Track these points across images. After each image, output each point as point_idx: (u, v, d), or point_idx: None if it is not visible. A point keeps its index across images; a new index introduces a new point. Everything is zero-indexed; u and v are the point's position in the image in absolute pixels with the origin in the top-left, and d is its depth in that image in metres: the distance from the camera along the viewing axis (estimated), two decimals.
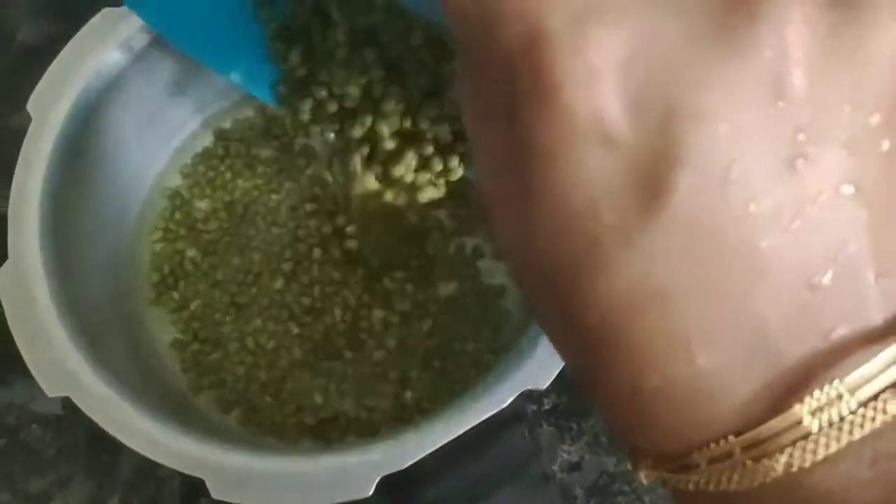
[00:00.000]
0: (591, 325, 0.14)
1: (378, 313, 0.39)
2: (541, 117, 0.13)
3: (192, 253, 0.41)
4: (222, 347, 0.39)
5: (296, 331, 0.39)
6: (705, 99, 0.13)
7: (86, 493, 0.40)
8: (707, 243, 0.13)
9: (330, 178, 0.37)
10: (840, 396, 0.13)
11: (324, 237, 0.41)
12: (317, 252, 0.40)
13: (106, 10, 0.36)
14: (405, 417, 0.37)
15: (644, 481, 0.15)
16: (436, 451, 0.29)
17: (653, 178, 0.13)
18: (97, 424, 0.31)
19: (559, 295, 0.14)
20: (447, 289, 0.40)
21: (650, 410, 0.14)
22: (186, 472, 0.30)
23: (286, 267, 0.40)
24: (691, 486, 0.15)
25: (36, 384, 0.41)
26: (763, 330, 0.13)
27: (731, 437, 0.14)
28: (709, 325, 0.13)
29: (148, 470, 0.40)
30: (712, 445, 0.14)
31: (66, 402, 0.40)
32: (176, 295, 0.41)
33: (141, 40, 0.37)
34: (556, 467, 0.40)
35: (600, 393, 0.15)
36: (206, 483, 0.29)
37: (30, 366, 0.31)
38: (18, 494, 0.40)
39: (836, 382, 0.13)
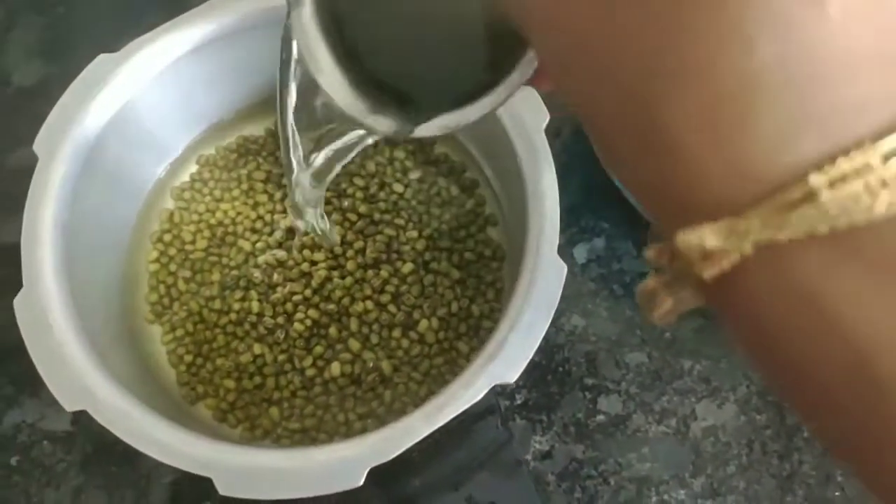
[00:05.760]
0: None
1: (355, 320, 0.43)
2: None
3: (184, 273, 0.44)
4: (212, 361, 0.43)
5: (281, 342, 0.42)
6: None
7: (99, 503, 0.42)
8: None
9: None
10: None
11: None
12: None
13: (101, 57, 0.40)
14: (384, 418, 0.40)
15: (705, 243, 0.16)
16: (420, 444, 0.33)
17: None
18: (104, 438, 0.33)
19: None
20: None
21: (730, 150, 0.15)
22: (195, 472, 0.32)
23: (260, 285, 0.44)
24: (748, 247, 0.15)
25: (45, 403, 0.44)
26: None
27: (812, 174, 0.15)
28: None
29: (155, 477, 0.42)
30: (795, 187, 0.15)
31: (74, 419, 0.44)
32: (170, 315, 0.44)
33: (131, 85, 0.40)
34: (528, 456, 0.43)
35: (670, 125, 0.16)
36: (214, 482, 0.32)
37: (48, 384, 0.34)
38: None
39: None
